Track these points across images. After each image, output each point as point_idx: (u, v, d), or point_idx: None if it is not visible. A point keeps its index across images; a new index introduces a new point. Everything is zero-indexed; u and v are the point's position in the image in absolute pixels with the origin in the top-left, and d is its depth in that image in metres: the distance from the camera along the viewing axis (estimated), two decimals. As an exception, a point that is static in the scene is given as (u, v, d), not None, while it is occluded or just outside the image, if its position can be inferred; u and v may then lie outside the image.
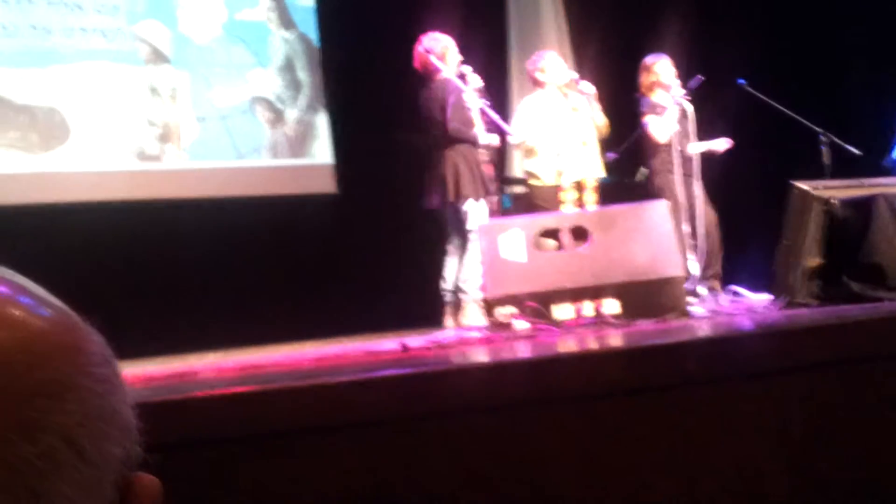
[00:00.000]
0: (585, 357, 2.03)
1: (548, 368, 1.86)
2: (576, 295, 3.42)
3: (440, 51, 4.72)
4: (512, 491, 1.67)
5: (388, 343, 3.34)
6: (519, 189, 5.39)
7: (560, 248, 3.67)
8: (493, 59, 6.00)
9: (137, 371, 2.76)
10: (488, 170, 4.67)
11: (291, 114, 6.16)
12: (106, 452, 0.45)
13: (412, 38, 4.83)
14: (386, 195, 5.80)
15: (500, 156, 5.21)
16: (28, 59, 5.37)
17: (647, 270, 3.48)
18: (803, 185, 3.46)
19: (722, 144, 5.10)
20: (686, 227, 4.69)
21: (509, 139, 4.98)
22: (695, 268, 4.59)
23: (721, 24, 6.40)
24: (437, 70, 4.69)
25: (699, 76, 4.97)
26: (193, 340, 4.27)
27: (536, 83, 5.02)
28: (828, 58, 6.42)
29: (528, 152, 4.98)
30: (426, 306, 4.80)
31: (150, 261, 5.20)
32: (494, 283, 3.47)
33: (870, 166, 4.83)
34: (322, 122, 6.23)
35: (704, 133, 5.12)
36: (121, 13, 5.67)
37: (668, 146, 4.90)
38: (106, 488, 0.45)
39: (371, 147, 5.84)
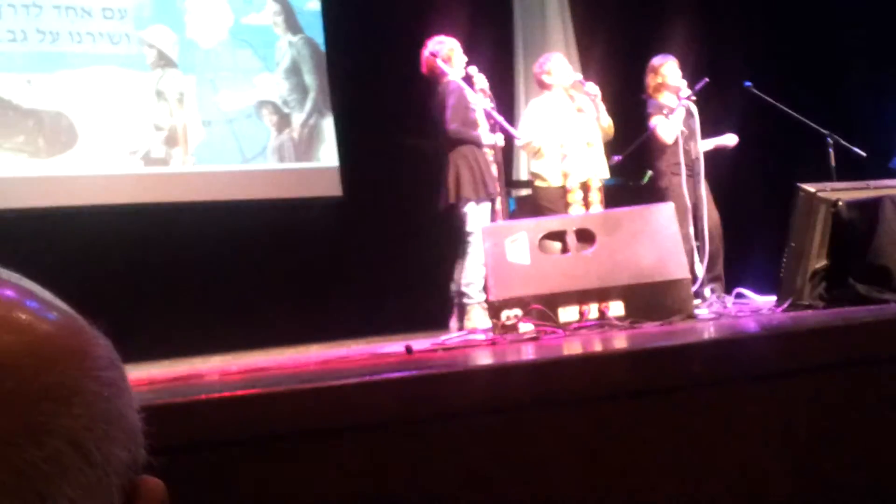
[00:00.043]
0: (590, 359, 2.03)
1: (553, 371, 1.86)
2: (581, 297, 3.42)
3: (445, 53, 4.73)
4: (517, 493, 1.67)
5: (392, 346, 3.34)
6: (525, 191, 5.39)
7: (565, 250, 3.67)
8: (499, 61, 6.01)
9: (143, 374, 2.77)
10: (494, 170, 4.65)
11: (298, 117, 6.17)
12: (112, 456, 0.45)
13: (418, 42, 4.84)
14: (391, 198, 5.82)
15: (506, 158, 5.21)
16: (35, 63, 5.40)
17: (653, 273, 3.47)
18: (809, 188, 3.45)
19: (731, 139, 5.10)
20: (692, 229, 4.68)
21: (516, 142, 4.98)
22: (700, 270, 4.59)
23: (724, 26, 6.40)
24: (443, 73, 4.69)
25: (705, 79, 4.96)
26: (198, 344, 4.28)
27: (543, 85, 5.02)
28: (829, 59, 6.41)
29: (535, 154, 4.98)
30: (431, 309, 4.81)
31: (157, 264, 5.21)
32: (500, 286, 3.47)
33: (876, 168, 4.82)
34: (328, 125, 6.25)
35: (710, 136, 5.11)
36: (128, 18, 5.70)
37: (675, 148, 4.89)
38: (112, 492, 0.45)
39: (377, 150, 5.85)
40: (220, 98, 5.90)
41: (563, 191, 4.83)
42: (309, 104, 6.22)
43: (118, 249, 5.09)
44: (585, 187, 4.84)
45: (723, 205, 5.07)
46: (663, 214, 3.65)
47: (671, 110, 4.95)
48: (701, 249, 4.60)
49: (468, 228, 4.54)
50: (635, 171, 5.33)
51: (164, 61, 5.78)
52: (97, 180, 5.47)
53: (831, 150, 4.91)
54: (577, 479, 1.71)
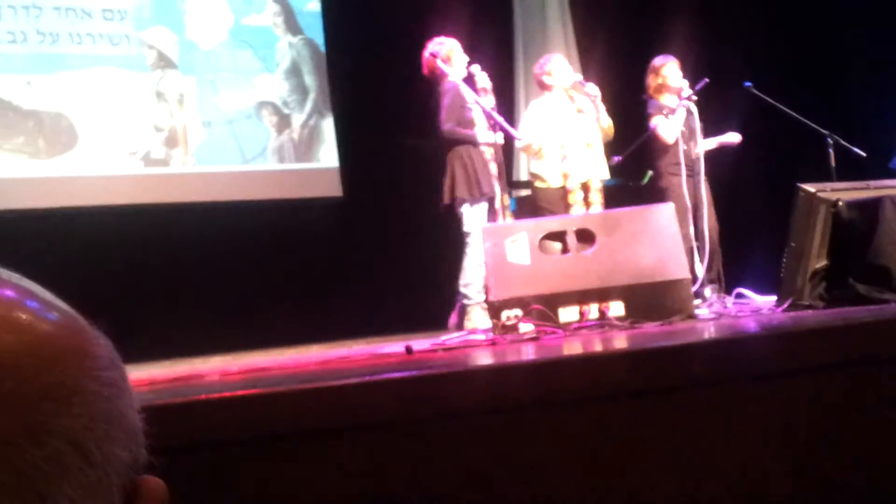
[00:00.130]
0: (591, 359, 2.03)
1: (553, 371, 1.86)
2: (581, 297, 3.42)
3: (445, 53, 4.73)
4: (517, 493, 1.67)
5: (392, 346, 3.34)
6: (525, 191, 5.39)
7: (565, 250, 3.67)
8: (499, 62, 6.01)
9: (143, 374, 2.77)
10: (492, 169, 4.62)
11: (298, 118, 6.17)
12: (112, 456, 0.45)
13: (418, 43, 4.84)
14: (392, 198, 5.82)
15: (506, 158, 5.21)
16: (35, 65, 5.41)
17: (653, 273, 3.47)
18: (809, 188, 3.46)
19: (734, 138, 5.10)
20: (692, 229, 4.68)
21: (516, 143, 4.98)
22: (700, 270, 4.59)
23: (724, 26, 6.40)
24: (443, 74, 4.69)
25: (705, 79, 4.97)
26: (199, 344, 4.28)
27: (543, 86, 5.02)
28: (829, 59, 6.42)
29: (535, 155, 4.98)
30: (431, 309, 4.81)
31: (157, 264, 5.22)
32: (500, 286, 3.47)
33: (876, 168, 4.82)
34: (328, 126, 6.25)
35: (710, 136, 5.12)
36: (128, 19, 5.70)
37: (675, 148, 4.89)
38: (112, 492, 0.45)
39: (377, 151, 5.85)
40: (221, 99, 5.90)
41: (563, 192, 4.82)
42: (309, 105, 6.22)
43: (118, 250, 5.09)
44: (585, 188, 4.84)
45: (723, 205, 5.08)
46: (663, 214, 3.65)
47: (671, 111, 4.95)
48: (701, 249, 4.60)
49: (465, 229, 4.54)
50: (635, 171, 5.33)
51: (164, 62, 5.78)
52: (97, 181, 5.47)
53: (831, 151, 4.91)
54: (577, 479, 1.71)
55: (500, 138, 4.61)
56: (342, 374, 2.08)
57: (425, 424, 1.67)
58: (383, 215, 5.84)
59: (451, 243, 4.70)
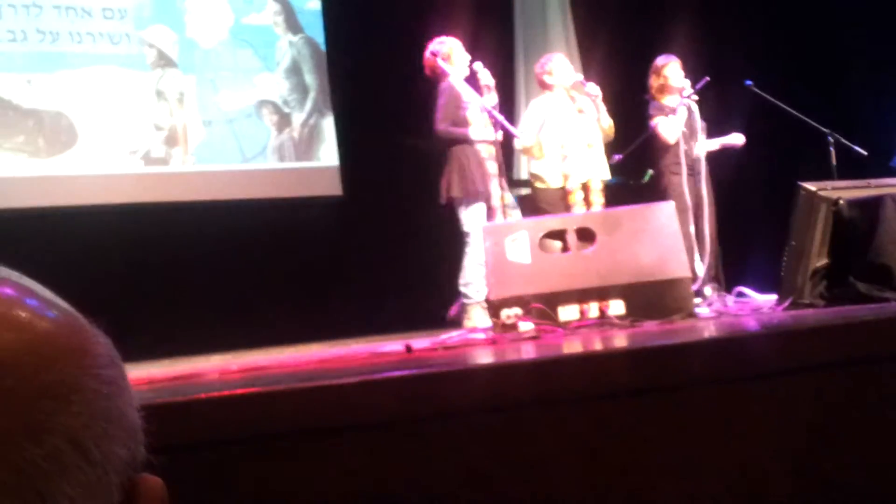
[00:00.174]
0: (591, 358, 2.03)
1: (553, 369, 1.86)
2: (581, 296, 3.42)
3: (445, 52, 4.72)
4: (517, 493, 1.67)
5: (392, 345, 3.34)
6: (525, 191, 5.39)
7: (565, 249, 3.67)
8: (500, 62, 6.01)
9: (143, 373, 2.77)
10: (491, 168, 4.61)
11: (298, 117, 6.17)
12: (111, 454, 0.45)
13: (419, 42, 4.84)
14: (392, 198, 5.82)
15: (506, 158, 5.21)
16: (35, 63, 5.40)
17: (653, 271, 3.47)
18: (810, 186, 3.45)
19: (738, 139, 5.10)
20: (692, 228, 4.68)
21: (516, 143, 4.98)
22: (701, 269, 4.59)
23: (725, 26, 6.40)
24: (444, 73, 4.69)
25: (706, 78, 4.96)
26: (198, 343, 4.28)
27: (544, 86, 5.02)
28: (829, 59, 6.41)
29: (535, 156, 4.98)
30: (431, 309, 4.81)
31: (157, 263, 5.22)
32: (500, 285, 3.47)
33: (876, 167, 4.82)
34: (328, 125, 6.25)
35: (711, 135, 5.11)
36: (128, 18, 5.70)
37: (676, 147, 4.89)
38: (111, 490, 0.45)
39: (377, 150, 5.85)
40: (221, 98, 5.90)
41: (563, 192, 4.82)
42: (309, 104, 6.22)
43: (118, 249, 5.09)
44: (586, 188, 4.83)
45: (723, 204, 5.08)
46: (664, 213, 3.65)
47: (672, 111, 4.95)
48: (701, 248, 4.60)
49: (464, 228, 4.54)
50: (636, 170, 5.33)
51: (165, 61, 5.78)
52: (97, 180, 5.47)
53: (832, 149, 4.92)
54: (577, 479, 1.71)
55: (499, 136, 4.60)
56: (342, 373, 2.07)
57: (425, 423, 1.66)
58: (383, 215, 5.84)
59: (451, 243, 4.70)
